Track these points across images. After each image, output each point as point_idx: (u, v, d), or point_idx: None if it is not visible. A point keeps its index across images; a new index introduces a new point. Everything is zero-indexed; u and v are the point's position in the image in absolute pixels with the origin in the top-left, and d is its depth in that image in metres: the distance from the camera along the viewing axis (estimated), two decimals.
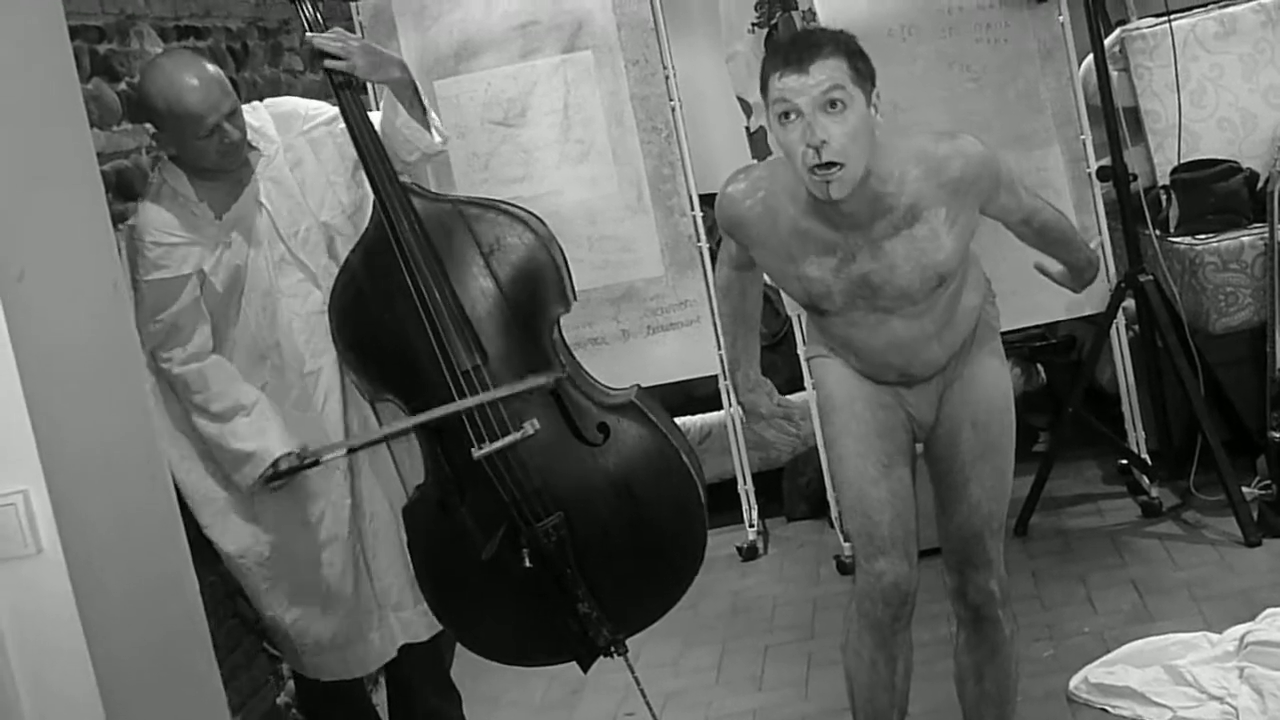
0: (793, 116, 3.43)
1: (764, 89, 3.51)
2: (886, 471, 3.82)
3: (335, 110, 4.59)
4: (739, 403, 4.20)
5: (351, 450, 4.51)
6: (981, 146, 3.62)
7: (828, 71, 3.42)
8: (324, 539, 4.52)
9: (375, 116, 4.46)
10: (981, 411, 3.85)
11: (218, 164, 4.34)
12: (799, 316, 6.03)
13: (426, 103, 4.57)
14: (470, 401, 4.27)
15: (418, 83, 4.53)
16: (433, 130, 4.55)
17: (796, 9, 5.78)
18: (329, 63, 4.31)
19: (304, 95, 5.44)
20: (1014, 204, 3.73)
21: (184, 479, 4.43)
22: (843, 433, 3.88)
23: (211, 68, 4.34)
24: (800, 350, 6.07)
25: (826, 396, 3.96)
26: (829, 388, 3.95)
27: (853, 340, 3.81)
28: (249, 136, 4.42)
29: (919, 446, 3.98)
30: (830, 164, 3.41)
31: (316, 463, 4.37)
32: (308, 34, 4.35)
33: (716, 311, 3.94)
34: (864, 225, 3.58)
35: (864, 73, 3.49)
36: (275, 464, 4.30)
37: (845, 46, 3.50)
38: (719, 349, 6.18)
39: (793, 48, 3.49)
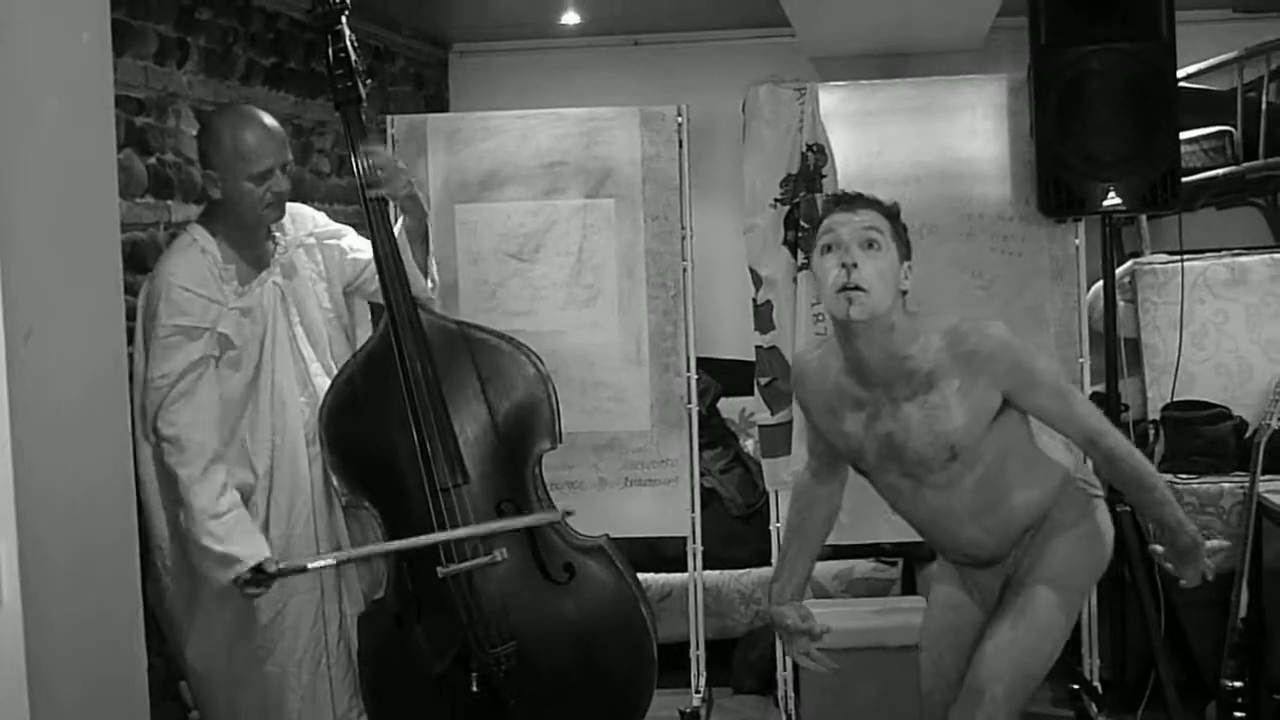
0: (833, 249, 3.77)
1: (816, 231, 3.85)
2: (936, 666, 4.15)
3: (342, 228, 4.71)
4: (770, 612, 4.24)
5: (340, 564, 4.55)
6: (1005, 333, 3.81)
7: (871, 218, 3.77)
8: (291, 635, 4.53)
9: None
10: (1033, 576, 3.94)
11: (257, 217, 4.46)
12: (775, 492, 6.05)
13: (431, 249, 4.73)
14: (466, 531, 4.36)
15: (439, 205, 4.64)
16: (428, 277, 4.66)
17: (821, 191, 5.85)
18: (372, 191, 4.46)
19: (327, 197, 5.53)
20: (1058, 410, 3.84)
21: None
22: (922, 624, 4.28)
23: (276, 123, 4.50)
24: (772, 526, 6.08)
25: (930, 589, 4.36)
26: (931, 583, 4.35)
27: (901, 508, 4.05)
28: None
29: None
30: (857, 287, 3.70)
31: (304, 569, 4.40)
32: (367, 188, 4.47)
33: (785, 516, 4.04)
34: (888, 384, 3.83)
35: (901, 238, 3.82)
36: (259, 568, 4.30)
37: (889, 211, 3.83)
38: (691, 511, 6.19)
39: (846, 196, 3.87)
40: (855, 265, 3.71)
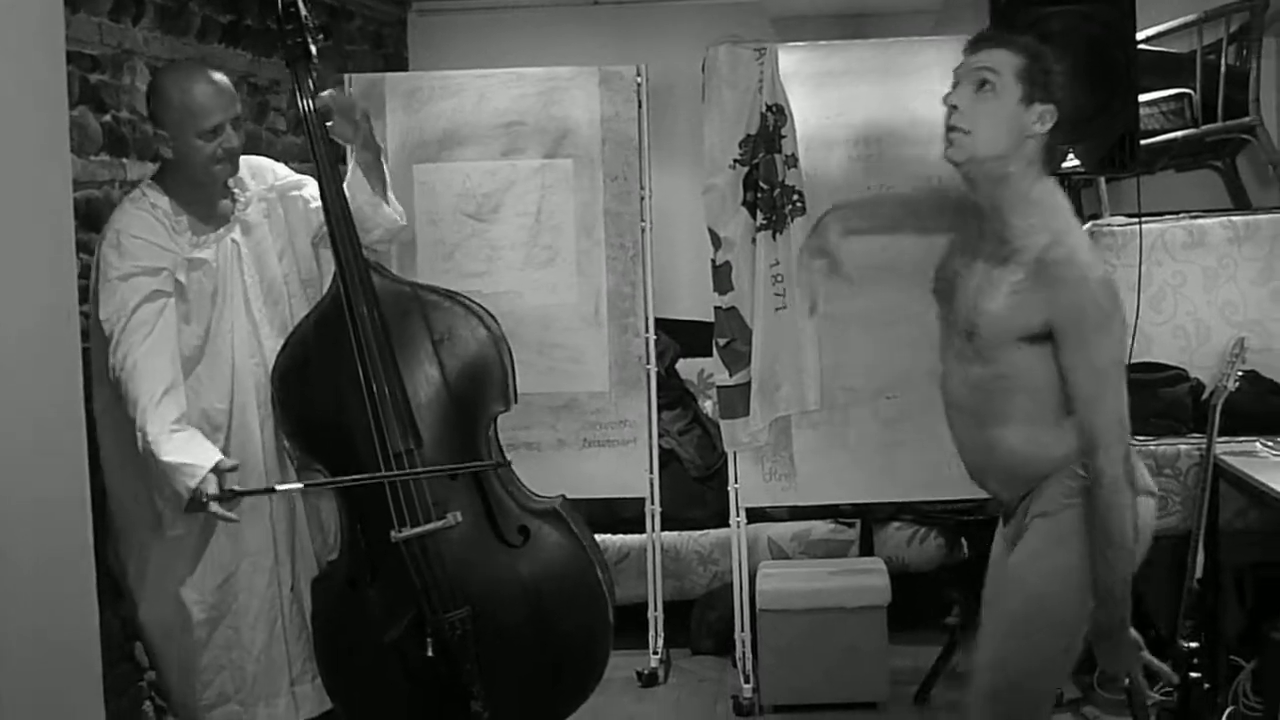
0: (956, 87, 3.71)
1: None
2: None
3: (303, 178, 4.67)
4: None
5: (307, 488, 4.51)
6: (1095, 273, 3.56)
7: (992, 59, 3.67)
8: (245, 595, 4.50)
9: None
10: (1013, 582, 3.80)
11: (210, 173, 4.42)
12: (734, 454, 6.04)
13: (389, 183, 4.72)
14: (415, 473, 4.33)
15: (397, 165, 4.62)
16: (392, 207, 4.66)
17: (780, 152, 5.84)
18: (336, 133, 4.50)
19: (283, 155, 5.48)
20: (1086, 387, 3.55)
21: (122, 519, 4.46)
22: None
23: (224, 77, 4.45)
24: (730, 487, 6.09)
25: None
26: None
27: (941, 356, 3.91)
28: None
29: None
30: (957, 128, 3.66)
31: (272, 490, 4.38)
32: (330, 128, 4.51)
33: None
34: (986, 239, 3.73)
35: (1034, 80, 3.64)
36: (218, 472, 4.15)
37: (1029, 50, 3.70)
38: (650, 472, 6.20)
39: (983, 35, 3.80)
40: (956, 107, 3.66)
